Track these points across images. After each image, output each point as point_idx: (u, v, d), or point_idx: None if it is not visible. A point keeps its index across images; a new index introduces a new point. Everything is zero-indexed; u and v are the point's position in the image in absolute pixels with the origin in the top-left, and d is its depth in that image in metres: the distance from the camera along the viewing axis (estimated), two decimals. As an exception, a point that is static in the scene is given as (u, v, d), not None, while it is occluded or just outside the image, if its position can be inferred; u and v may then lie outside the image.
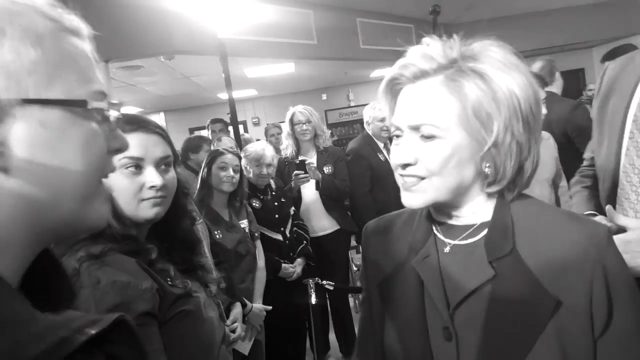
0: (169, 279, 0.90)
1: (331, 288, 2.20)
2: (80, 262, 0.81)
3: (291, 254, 2.49)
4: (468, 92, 0.63)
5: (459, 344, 0.66)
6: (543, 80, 2.68)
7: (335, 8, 4.77)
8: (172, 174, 0.98)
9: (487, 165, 0.66)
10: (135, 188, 0.91)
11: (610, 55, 2.93)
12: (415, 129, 0.66)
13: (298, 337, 2.62)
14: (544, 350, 0.60)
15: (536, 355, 0.60)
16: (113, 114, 0.47)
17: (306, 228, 2.65)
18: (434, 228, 0.75)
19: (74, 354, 0.35)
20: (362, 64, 5.69)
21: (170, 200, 0.98)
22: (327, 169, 2.81)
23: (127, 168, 0.91)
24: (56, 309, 0.38)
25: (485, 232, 0.69)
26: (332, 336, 3.06)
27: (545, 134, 2.08)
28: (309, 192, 2.82)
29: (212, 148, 2.76)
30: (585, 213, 1.20)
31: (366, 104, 3.18)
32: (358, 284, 3.94)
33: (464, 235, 0.71)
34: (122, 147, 0.49)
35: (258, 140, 3.43)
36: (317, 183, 2.75)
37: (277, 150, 2.99)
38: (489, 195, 0.70)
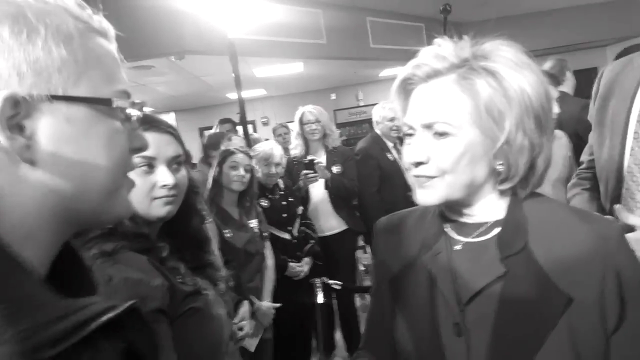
0: (179, 277, 0.92)
1: (338, 287, 2.19)
2: (93, 259, 0.82)
3: (298, 253, 2.49)
4: (480, 90, 0.64)
5: (469, 340, 0.66)
6: (556, 79, 2.65)
7: (345, 7, 4.77)
8: (183, 173, 1.00)
9: (500, 162, 0.67)
10: (148, 187, 0.93)
11: (623, 55, 2.88)
12: (428, 127, 0.67)
13: (304, 336, 2.62)
14: (556, 347, 0.60)
15: (547, 352, 0.60)
16: (135, 113, 0.48)
17: (314, 227, 2.66)
18: (445, 226, 0.76)
19: (92, 337, 0.37)
20: (371, 63, 5.67)
21: (182, 199, 1.00)
22: (335, 169, 2.81)
23: (139, 167, 0.92)
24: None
25: (497, 230, 0.69)
26: (338, 335, 3.06)
27: (558, 133, 2.06)
28: (318, 191, 2.82)
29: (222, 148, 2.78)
30: None
31: (375, 104, 3.17)
32: (364, 284, 3.94)
33: (476, 233, 0.71)
34: (143, 147, 0.51)
35: (267, 140, 3.45)
36: (325, 182, 2.76)
37: (285, 150, 3.00)
38: (501, 193, 0.71)
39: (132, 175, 0.90)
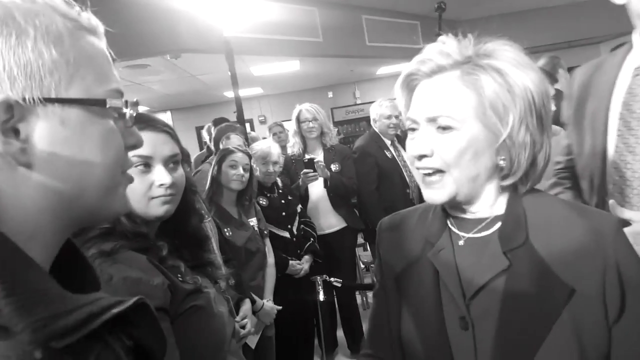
0: (179, 275, 0.91)
1: (339, 285, 2.20)
2: (92, 259, 0.82)
3: (298, 251, 2.50)
4: (485, 85, 0.66)
5: (475, 333, 0.68)
6: (553, 76, 2.67)
7: (341, 5, 4.76)
8: (180, 171, 1.00)
9: (502, 157, 0.68)
10: (145, 186, 0.92)
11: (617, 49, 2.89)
12: (432, 120, 0.69)
13: (306, 334, 2.63)
14: (560, 337, 0.62)
15: (552, 342, 0.62)
16: (129, 111, 0.48)
17: (313, 225, 2.66)
18: (448, 222, 0.77)
19: (100, 331, 0.37)
20: (368, 61, 5.67)
21: (179, 198, 0.99)
22: (334, 167, 2.81)
23: (136, 166, 0.92)
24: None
25: (498, 225, 0.71)
26: (339, 333, 3.07)
27: (556, 129, 2.07)
28: (317, 189, 2.82)
29: (221, 147, 2.76)
30: None
31: (373, 102, 3.17)
32: (365, 281, 3.95)
33: (477, 228, 0.73)
34: (138, 144, 0.51)
35: (265, 138, 3.44)
36: (325, 181, 2.76)
37: (282, 148, 2.99)
38: (502, 189, 0.72)
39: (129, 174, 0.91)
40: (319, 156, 2.85)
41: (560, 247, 0.65)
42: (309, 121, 2.82)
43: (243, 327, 1.76)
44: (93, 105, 0.43)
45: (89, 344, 0.37)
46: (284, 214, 2.49)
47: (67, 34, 0.42)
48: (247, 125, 7.07)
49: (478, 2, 5.07)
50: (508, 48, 0.68)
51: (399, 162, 2.90)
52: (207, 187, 2.10)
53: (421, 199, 0.78)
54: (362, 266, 3.95)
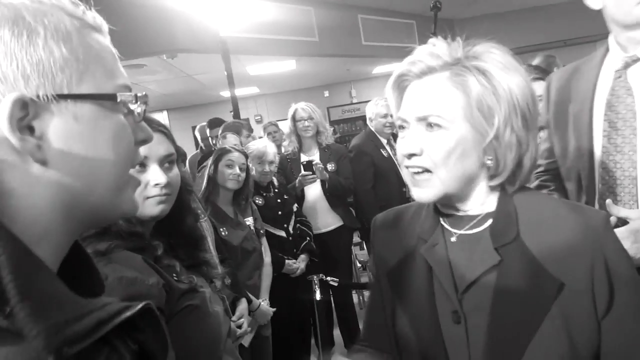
0: (174, 275, 0.92)
1: (335, 284, 2.20)
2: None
3: (295, 250, 2.50)
4: (472, 86, 0.67)
5: (468, 327, 0.70)
6: (548, 74, 2.67)
7: (337, 5, 4.77)
8: (175, 171, 1.00)
9: (489, 157, 0.70)
10: (140, 186, 0.92)
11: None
12: (422, 119, 0.70)
13: (303, 333, 2.63)
14: (550, 331, 0.63)
15: (543, 336, 0.63)
16: (137, 106, 0.48)
17: (309, 224, 2.67)
18: (441, 219, 0.79)
19: (108, 336, 0.38)
20: (364, 60, 5.68)
21: (175, 198, 0.99)
22: (330, 166, 2.82)
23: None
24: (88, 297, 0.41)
25: (489, 222, 0.72)
26: (336, 332, 3.07)
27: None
28: (313, 189, 2.82)
29: (218, 146, 2.76)
30: None
31: (368, 101, 3.18)
32: (362, 280, 3.96)
33: (469, 225, 0.74)
34: (148, 138, 0.51)
35: (261, 137, 3.44)
36: (322, 182, 2.76)
37: (277, 148, 2.99)
38: (492, 188, 0.74)
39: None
40: (314, 155, 2.85)
41: (551, 243, 0.67)
42: (305, 120, 2.82)
43: (239, 327, 1.76)
44: (104, 99, 0.44)
45: (98, 347, 0.37)
46: (280, 213, 2.50)
47: (75, 32, 0.43)
48: (244, 124, 7.03)
49: (474, 1, 5.09)
50: (496, 51, 0.70)
51: (395, 161, 2.90)
52: (203, 186, 2.10)
53: (417, 198, 0.79)
54: (359, 265, 3.96)
